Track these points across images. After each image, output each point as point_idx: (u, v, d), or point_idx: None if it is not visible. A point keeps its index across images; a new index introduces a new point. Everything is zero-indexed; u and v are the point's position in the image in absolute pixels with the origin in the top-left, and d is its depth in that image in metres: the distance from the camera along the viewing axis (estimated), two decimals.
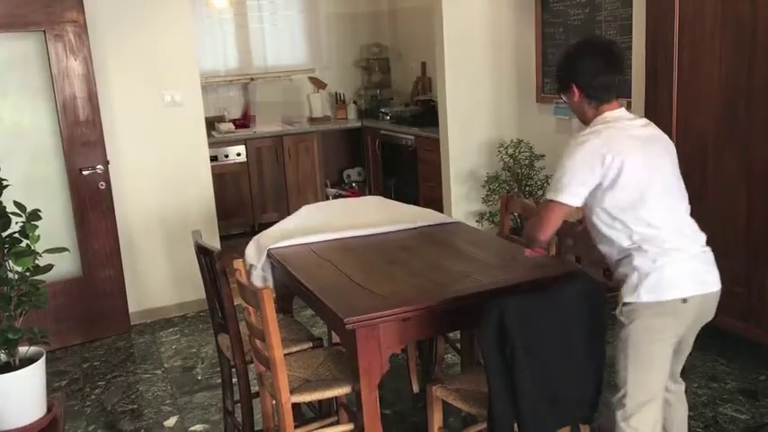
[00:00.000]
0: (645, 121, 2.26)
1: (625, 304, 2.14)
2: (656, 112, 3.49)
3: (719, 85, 3.18)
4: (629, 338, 2.14)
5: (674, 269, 2.09)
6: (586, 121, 2.24)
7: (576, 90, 2.19)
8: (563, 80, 2.24)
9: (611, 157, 2.06)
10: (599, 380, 2.20)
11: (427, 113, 6.04)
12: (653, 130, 2.24)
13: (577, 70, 2.18)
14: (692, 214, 3.39)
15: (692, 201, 3.34)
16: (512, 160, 4.88)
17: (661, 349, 2.15)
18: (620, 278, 2.17)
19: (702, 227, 3.33)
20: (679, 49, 3.34)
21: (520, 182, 4.86)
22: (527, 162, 4.85)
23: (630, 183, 2.08)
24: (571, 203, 2.12)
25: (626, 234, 2.12)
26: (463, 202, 5.14)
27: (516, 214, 4.09)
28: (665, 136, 2.27)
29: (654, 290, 2.09)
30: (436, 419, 2.42)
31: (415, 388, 3.29)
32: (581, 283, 2.15)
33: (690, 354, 3.53)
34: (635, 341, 2.13)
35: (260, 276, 2.89)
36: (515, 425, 2.09)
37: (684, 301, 2.09)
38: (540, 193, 4.86)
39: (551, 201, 2.14)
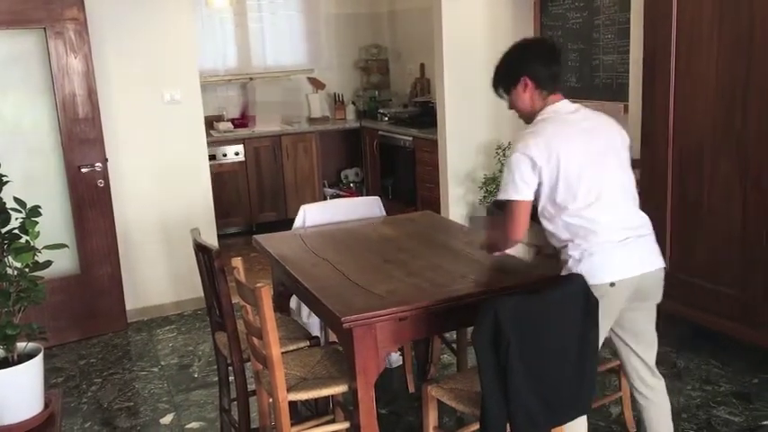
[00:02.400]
0: (589, 113, 2.33)
1: None
2: (653, 115, 3.51)
3: (716, 87, 3.20)
4: None
5: (602, 256, 2.22)
6: (532, 116, 2.33)
7: (528, 82, 2.28)
8: (512, 75, 2.31)
9: (540, 162, 2.19)
10: (591, 380, 2.22)
11: (425, 115, 6.06)
12: (595, 123, 2.32)
13: (529, 62, 2.29)
14: (688, 214, 3.43)
15: (688, 202, 3.39)
16: None
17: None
18: (563, 262, 2.31)
19: (697, 228, 3.36)
20: (676, 53, 3.36)
21: None
22: None
23: (565, 181, 2.21)
24: (526, 198, 2.23)
25: (563, 227, 2.26)
26: (461, 204, 5.15)
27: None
28: (613, 126, 2.35)
29: (584, 275, 2.21)
30: (431, 419, 2.42)
31: (411, 387, 3.30)
32: (575, 285, 2.17)
33: (683, 355, 3.56)
34: None
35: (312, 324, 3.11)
36: (507, 426, 2.10)
37: (612, 284, 2.22)
38: None
39: (510, 201, 2.25)
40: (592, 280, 2.19)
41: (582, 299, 2.14)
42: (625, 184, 2.32)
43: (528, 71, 2.28)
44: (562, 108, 2.29)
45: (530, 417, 2.08)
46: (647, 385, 2.43)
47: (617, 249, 2.23)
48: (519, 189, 2.22)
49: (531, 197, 2.23)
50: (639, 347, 2.41)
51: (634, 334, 2.39)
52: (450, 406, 2.33)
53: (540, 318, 2.09)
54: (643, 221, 2.33)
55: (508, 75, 2.33)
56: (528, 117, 2.35)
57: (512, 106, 2.38)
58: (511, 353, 1.99)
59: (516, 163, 2.21)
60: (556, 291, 2.18)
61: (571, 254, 2.26)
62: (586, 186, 2.22)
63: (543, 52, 2.34)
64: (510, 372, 2.01)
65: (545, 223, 2.32)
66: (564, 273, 2.29)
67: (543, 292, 2.23)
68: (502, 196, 2.26)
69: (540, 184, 2.23)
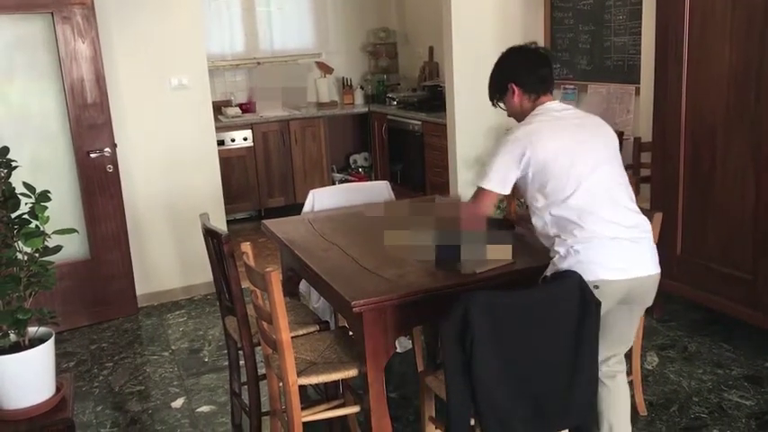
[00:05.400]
0: (580, 113, 2.37)
1: (545, 278, 2.23)
2: (665, 97, 3.47)
3: (729, 68, 3.15)
4: None
5: (589, 254, 2.14)
6: (523, 117, 2.36)
7: (515, 88, 2.35)
8: (500, 83, 2.39)
9: (530, 152, 2.19)
10: (586, 387, 2.12)
11: (434, 99, 6.02)
12: (586, 120, 2.34)
13: (514, 70, 2.37)
14: (700, 197, 3.40)
15: (700, 185, 3.35)
16: None
17: None
18: (551, 256, 2.25)
19: (709, 212, 3.33)
20: (689, 33, 3.32)
21: None
22: None
23: (553, 171, 2.18)
24: (498, 191, 2.26)
25: (551, 222, 2.23)
26: (470, 188, 5.09)
27: (522, 200, 4.08)
28: (604, 125, 2.36)
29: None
30: (427, 408, 2.40)
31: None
32: (567, 284, 2.06)
33: (695, 339, 3.54)
34: None
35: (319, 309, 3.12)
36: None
37: (596, 287, 2.11)
38: None
39: (480, 188, 2.27)
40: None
41: (576, 298, 2.03)
42: (618, 179, 2.26)
43: (513, 78, 2.35)
44: (552, 107, 2.32)
45: (503, 421, 1.99)
46: (605, 374, 2.30)
47: (605, 248, 2.15)
48: (496, 180, 2.24)
49: (504, 191, 2.26)
50: (612, 343, 2.29)
51: (609, 331, 2.24)
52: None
53: (521, 315, 1.99)
54: (639, 222, 2.24)
55: (497, 84, 2.42)
56: (519, 118, 2.41)
57: (508, 112, 2.45)
58: (477, 350, 1.90)
59: (504, 151, 2.24)
60: (542, 288, 2.09)
61: (557, 249, 2.19)
62: (575, 178, 2.17)
63: (529, 59, 2.39)
64: (476, 370, 1.92)
65: (534, 220, 2.29)
66: (549, 272, 2.21)
67: (526, 289, 2.11)
68: (480, 180, 2.28)
69: (525, 176, 2.23)
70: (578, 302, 2.04)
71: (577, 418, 2.15)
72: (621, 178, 2.27)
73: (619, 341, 2.33)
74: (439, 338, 1.98)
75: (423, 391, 2.41)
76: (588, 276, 2.10)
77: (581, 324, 2.04)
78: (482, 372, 1.93)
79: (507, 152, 2.23)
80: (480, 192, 2.28)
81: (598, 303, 2.07)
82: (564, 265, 2.16)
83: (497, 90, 2.42)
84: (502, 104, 2.44)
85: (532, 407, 2.02)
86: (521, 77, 2.34)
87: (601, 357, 2.28)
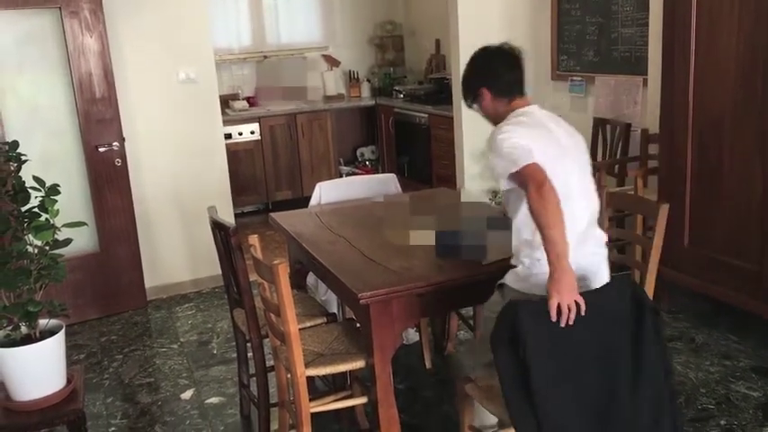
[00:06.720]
0: (557, 117, 2.28)
1: (501, 285, 2.17)
2: (672, 87, 3.46)
3: (737, 60, 3.14)
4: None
5: (546, 272, 1.97)
6: (499, 120, 2.28)
7: (486, 93, 2.28)
8: (472, 88, 2.32)
9: (530, 146, 2.06)
10: (657, 399, 1.96)
11: (441, 91, 6.01)
12: (566, 127, 2.26)
13: (484, 74, 2.30)
14: (707, 188, 3.38)
15: (707, 176, 3.34)
16: None
17: None
18: (513, 264, 2.18)
19: (716, 203, 3.32)
20: (697, 24, 3.30)
21: None
22: None
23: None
24: (538, 161, 2.01)
25: (523, 223, 2.11)
26: (476, 181, 5.13)
27: None
28: (578, 134, 2.27)
29: (524, 281, 2.10)
30: (467, 418, 2.29)
31: (428, 363, 3.32)
32: (612, 293, 1.96)
33: (702, 330, 3.54)
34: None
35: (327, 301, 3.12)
36: None
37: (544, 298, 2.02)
38: None
39: (523, 167, 2.01)
40: (529, 290, 2.07)
41: (628, 310, 1.91)
42: (587, 192, 2.18)
43: (484, 83, 2.28)
44: (531, 111, 2.25)
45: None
46: None
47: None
48: (526, 156, 2.02)
49: (538, 160, 2.01)
50: None
51: None
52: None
53: (567, 329, 1.88)
54: (597, 234, 2.18)
55: (468, 89, 2.35)
56: (496, 121, 2.31)
57: (482, 115, 2.38)
58: (533, 361, 1.81)
59: (509, 140, 2.09)
60: (590, 293, 1.93)
61: (522, 260, 2.12)
62: (559, 183, 2.02)
63: (498, 61, 2.30)
64: (534, 383, 1.82)
65: (515, 218, 2.16)
66: (512, 282, 2.14)
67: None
68: (512, 169, 2.04)
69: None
70: (629, 315, 1.93)
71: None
72: (586, 197, 2.18)
73: None
74: (491, 346, 1.87)
75: (462, 399, 2.27)
76: (538, 290, 2.01)
77: (636, 338, 1.93)
78: (539, 384, 1.83)
79: (510, 139, 2.08)
80: (525, 170, 2.01)
81: (655, 312, 1.96)
82: (521, 276, 2.09)
83: (469, 95, 2.35)
84: (476, 107, 2.36)
85: (595, 422, 1.89)
86: (491, 82, 2.27)
87: None
